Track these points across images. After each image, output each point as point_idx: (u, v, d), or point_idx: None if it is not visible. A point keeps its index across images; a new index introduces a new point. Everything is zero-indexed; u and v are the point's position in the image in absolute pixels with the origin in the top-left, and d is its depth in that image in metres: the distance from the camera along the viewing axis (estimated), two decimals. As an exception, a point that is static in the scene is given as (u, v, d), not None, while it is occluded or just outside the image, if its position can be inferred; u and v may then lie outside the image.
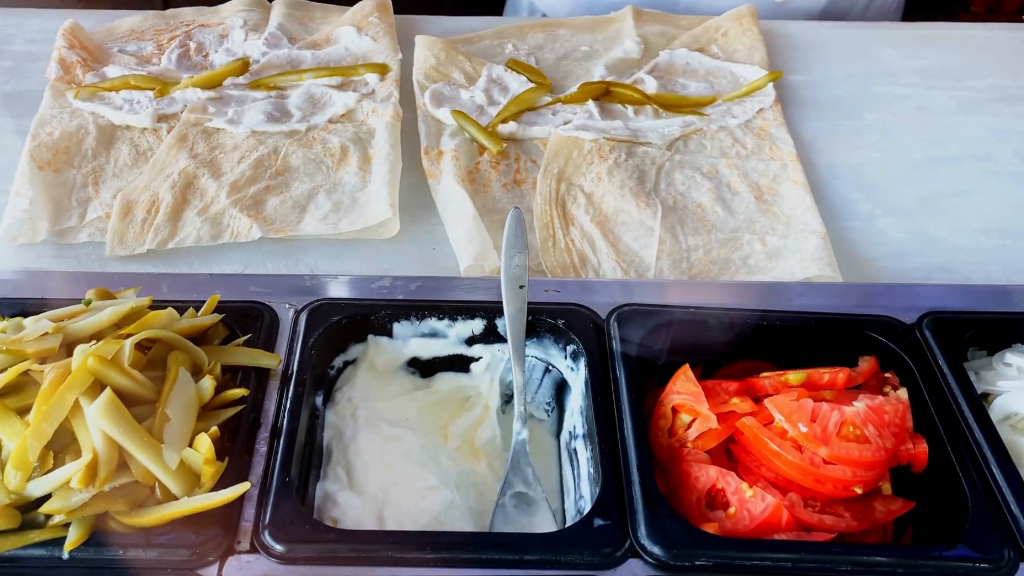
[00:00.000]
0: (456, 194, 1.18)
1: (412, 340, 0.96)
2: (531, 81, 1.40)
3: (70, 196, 1.17)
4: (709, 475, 0.81)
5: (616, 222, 1.17)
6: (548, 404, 0.98)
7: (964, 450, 0.83)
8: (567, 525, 0.81)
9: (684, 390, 0.86)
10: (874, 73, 1.52)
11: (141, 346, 0.79)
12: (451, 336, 0.95)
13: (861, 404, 0.82)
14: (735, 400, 0.86)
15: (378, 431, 0.90)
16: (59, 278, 0.99)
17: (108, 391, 0.73)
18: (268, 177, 1.21)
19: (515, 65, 1.44)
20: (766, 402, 0.84)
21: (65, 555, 0.70)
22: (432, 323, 0.94)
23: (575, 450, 0.90)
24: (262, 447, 0.80)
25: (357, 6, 1.56)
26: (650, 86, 1.40)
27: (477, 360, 0.97)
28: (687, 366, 0.89)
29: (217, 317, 0.88)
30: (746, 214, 1.20)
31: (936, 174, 1.31)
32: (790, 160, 1.28)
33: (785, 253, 1.13)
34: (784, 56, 1.54)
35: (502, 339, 0.95)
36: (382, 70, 1.40)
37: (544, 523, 0.84)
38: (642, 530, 0.74)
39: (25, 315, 0.83)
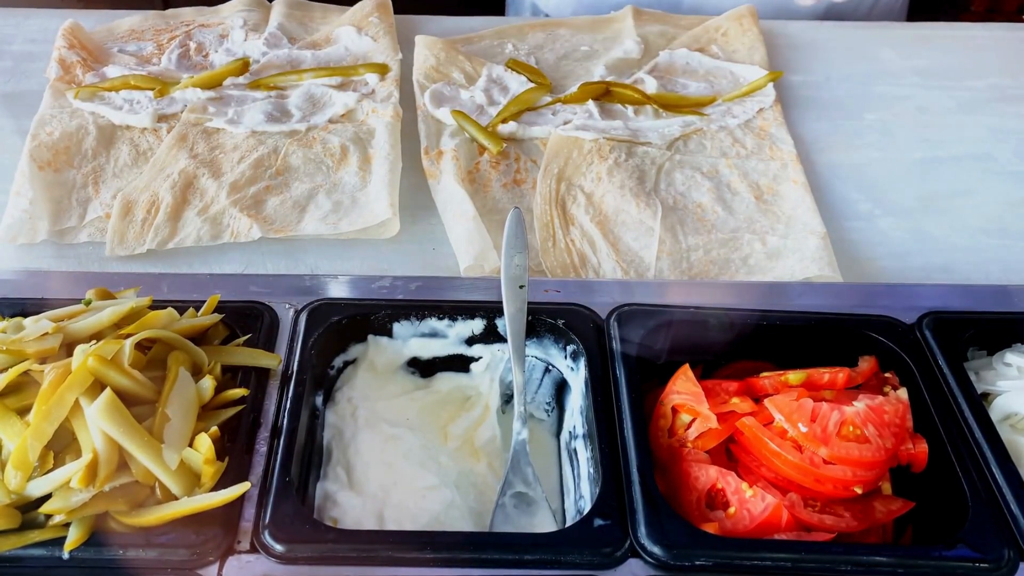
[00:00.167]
0: (456, 194, 1.18)
1: (412, 340, 0.96)
2: (531, 81, 1.40)
3: (70, 196, 1.17)
4: (709, 475, 0.81)
5: (616, 222, 1.17)
6: (548, 404, 0.98)
7: (964, 450, 0.83)
8: (567, 525, 0.81)
9: (684, 390, 0.86)
10: (874, 73, 1.52)
11: (141, 346, 0.79)
12: (451, 336, 0.95)
13: (861, 404, 0.82)
14: (735, 400, 0.86)
15: (378, 431, 0.90)
16: (59, 278, 0.99)
17: (108, 391, 0.73)
18: (268, 177, 1.21)
19: (515, 65, 1.44)
20: (766, 402, 0.84)
21: (65, 555, 0.70)
22: (432, 323, 0.95)
23: (575, 450, 0.90)
24: (262, 447, 0.80)
25: (357, 6, 1.56)
26: (650, 86, 1.40)
27: (477, 360, 0.97)
28: (687, 366, 0.89)
29: (217, 317, 0.88)
30: (746, 214, 1.20)
31: (936, 174, 1.31)
32: (790, 160, 1.28)
33: (785, 253, 1.13)
34: (784, 56, 1.54)
35: (502, 339, 0.95)
36: (382, 70, 1.40)
37: (544, 523, 0.84)
38: (642, 530, 0.74)
39: (25, 315, 0.83)
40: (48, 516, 0.72)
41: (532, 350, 0.95)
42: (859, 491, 0.79)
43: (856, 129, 1.39)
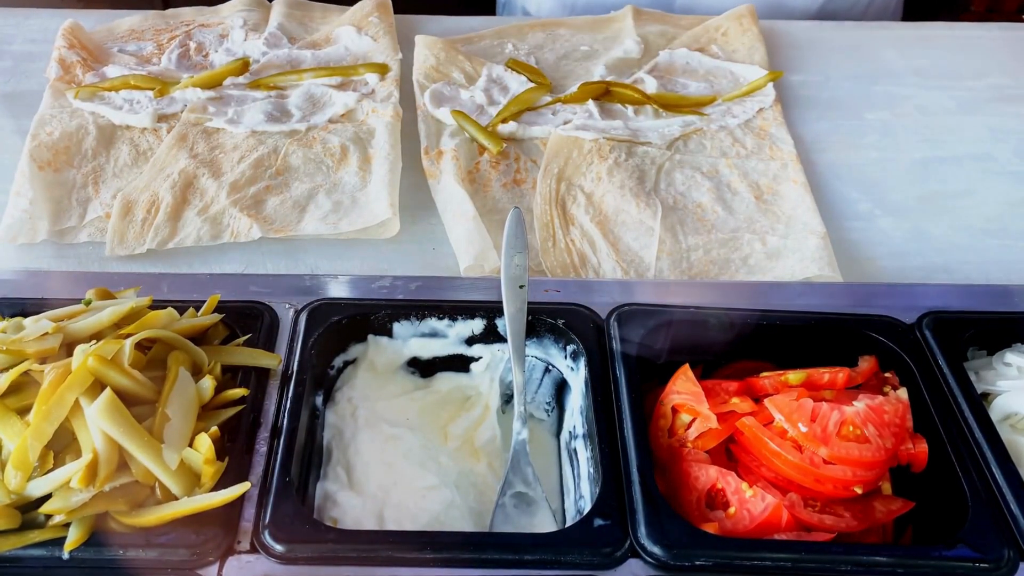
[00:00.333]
0: (456, 194, 1.18)
1: (412, 340, 0.96)
2: (531, 81, 1.40)
3: (70, 196, 1.17)
4: (709, 475, 0.81)
5: (616, 222, 1.17)
6: (548, 404, 0.98)
7: (964, 450, 0.83)
8: (567, 525, 0.81)
9: (684, 390, 0.86)
10: (874, 73, 1.52)
11: (141, 346, 0.79)
12: (451, 336, 0.95)
13: (861, 404, 0.82)
14: (735, 400, 0.86)
15: (378, 431, 0.90)
16: (59, 278, 0.99)
17: (108, 391, 0.73)
18: (268, 177, 1.21)
19: (515, 65, 1.44)
20: (766, 402, 0.84)
21: (65, 555, 0.70)
22: (432, 323, 0.95)
23: (575, 450, 0.90)
24: (262, 447, 0.80)
25: (357, 6, 1.56)
26: (650, 86, 1.40)
27: (477, 360, 0.97)
28: (687, 366, 0.89)
29: (217, 317, 0.88)
30: (746, 214, 1.20)
31: (936, 174, 1.31)
32: (790, 160, 1.28)
33: (785, 253, 1.13)
34: (784, 56, 1.54)
35: (502, 339, 0.95)
36: (382, 70, 1.40)
37: (544, 523, 0.84)
38: (642, 530, 0.74)
39: (25, 315, 0.83)
40: (48, 516, 0.72)
41: (532, 350, 0.95)
42: (859, 491, 0.79)
43: (856, 129, 1.39)
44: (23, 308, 0.88)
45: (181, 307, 0.87)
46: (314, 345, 0.90)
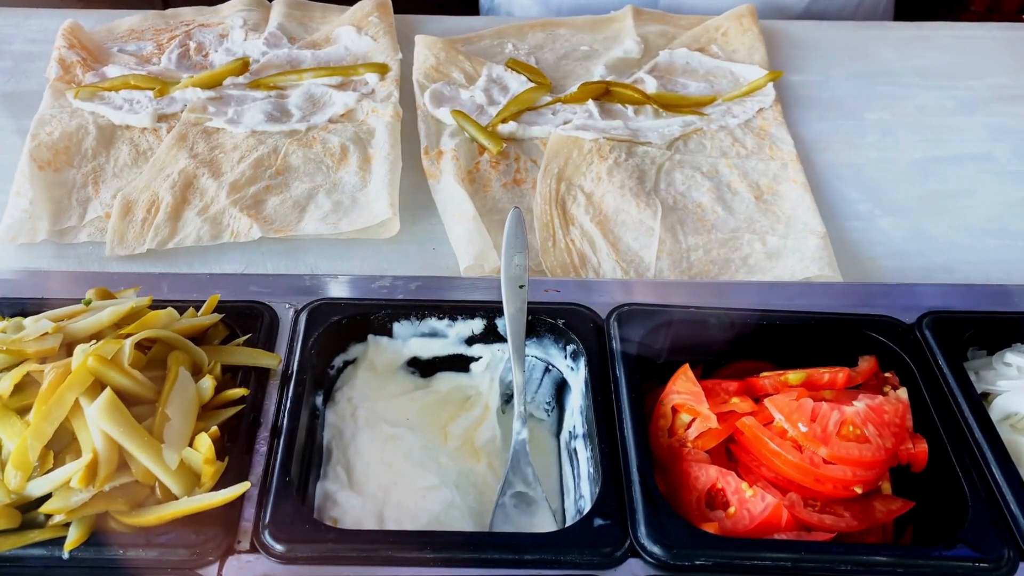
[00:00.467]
0: (456, 194, 1.18)
1: (412, 340, 0.96)
2: (531, 81, 1.40)
3: (70, 196, 1.17)
4: (709, 475, 0.81)
5: (616, 222, 1.17)
6: (548, 404, 0.98)
7: (964, 450, 0.83)
8: (567, 525, 0.81)
9: (684, 390, 0.86)
10: (874, 73, 1.52)
11: (141, 346, 0.79)
12: (451, 336, 0.95)
13: (861, 404, 0.82)
14: (735, 400, 0.86)
15: (378, 431, 0.90)
16: (59, 278, 0.99)
17: (108, 391, 0.73)
18: (268, 177, 1.21)
19: (515, 65, 1.44)
20: (766, 402, 0.84)
21: (65, 555, 0.70)
22: (432, 323, 0.94)
23: (575, 450, 0.90)
24: (262, 447, 0.80)
25: (357, 6, 1.56)
26: (650, 86, 1.40)
27: (477, 360, 0.97)
28: (687, 366, 0.89)
29: (217, 317, 0.88)
30: (746, 214, 1.20)
31: (936, 174, 1.31)
32: (790, 160, 1.28)
33: (785, 253, 1.13)
34: (784, 56, 1.54)
35: (502, 339, 0.95)
36: (382, 70, 1.40)
37: (544, 523, 0.84)
38: (642, 530, 0.74)
39: (25, 315, 0.83)
40: (48, 516, 0.72)
41: (532, 350, 0.95)
42: (859, 491, 0.79)
43: (856, 129, 1.39)
44: (23, 308, 0.88)
45: (181, 307, 0.87)
46: (314, 345, 0.90)
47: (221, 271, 1.08)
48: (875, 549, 0.78)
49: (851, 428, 0.80)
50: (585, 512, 0.77)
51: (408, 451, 0.89)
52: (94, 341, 0.79)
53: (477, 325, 0.95)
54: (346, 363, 0.96)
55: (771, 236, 1.16)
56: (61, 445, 0.74)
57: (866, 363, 0.91)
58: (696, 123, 1.34)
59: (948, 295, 0.99)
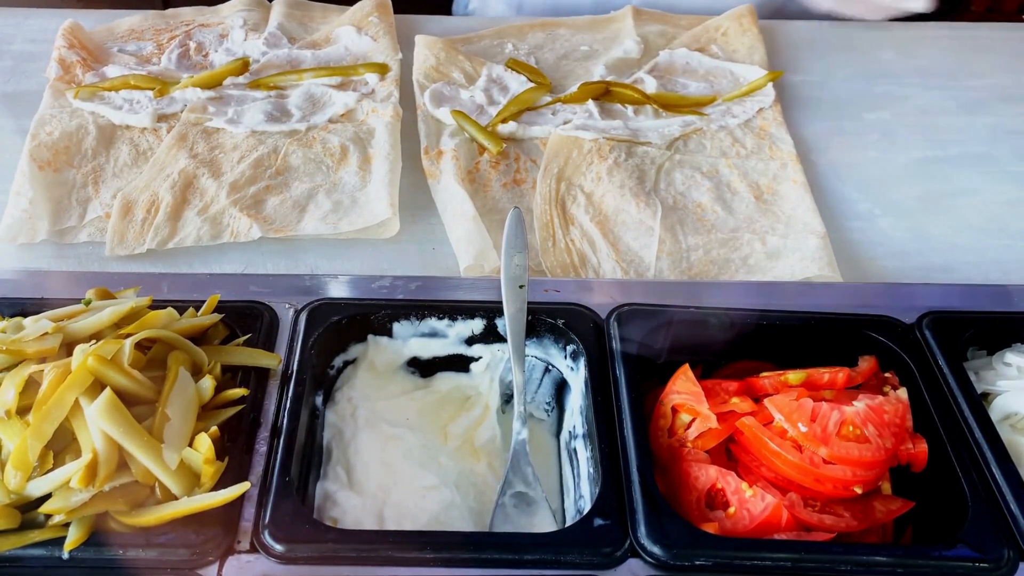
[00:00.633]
0: (456, 194, 1.18)
1: (412, 340, 0.96)
2: (531, 81, 1.40)
3: (70, 196, 1.17)
4: (709, 475, 0.81)
5: (616, 222, 1.17)
6: (548, 404, 0.98)
7: (964, 450, 0.83)
8: (567, 525, 0.81)
9: (684, 390, 0.86)
10: (874, 73, 1.52)
11: (141, 346, 0.79)
12: (451, 336, 0.95)
13: (861, 404, 0.82)
14: (735, 400, 0.86)
15: (378, 431, 0.90)
16: (59, 278, 0.99)
17: (108, 391, 0.73)
18: (268, 177, 1.21)
19: (515, 65, 1.44)
20: (766, 402, 0.84)
21: (65, 555, 0.70)
22: (432, 323, 0.94)
23: (575, 450, 0.90)
24: (262, 447, 0.80)
25: (357, 6, 1.56)
26: (650, 86, 1.40)
27: (477, 360, 0.97)
28: (687, 366, 0.89)
29: (217, 317, 0.88)
30: (746, 214, 1.20)
31: (936, 174, 1.31)
32: (790, 160, 1.28)
33: (785, 253, 1.13)
34: (784, 56, 1.54)
35: (502, 339, 0.95)
36: (382, 70, 1.40)
37: (544, 523, 0.84)
38: (642, 530, 0.74)
39: (25, 315, 0.83)
40: (48, 516, 0.72)
41: (532, 350, 0.95)
42: (859, 491, 0.79)
43: (856, 129, 1.39)
44: (23, 308, 0.88)
45: (181, 307, 0.87)
46: (314, 345, 0.90)
47: (221, 271, 1.08)
48: (875, 549, 0.78)
49: (851, 428, 0.80)
50: (585, 512, 0.77)
51: (408, 451, 0.89)
52: (94, 341, 0.79)
53: (477, 325, 0.94)
54: (346, 363, 0.96)
55: (771, 236, 1.16)
56: (61, 445, 0.74)
57: (866, 363, 0.91)
58: (696, 123, 1.34)
59: (948, 295, 0.99)
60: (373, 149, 1.26)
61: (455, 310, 0.94)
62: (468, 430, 0.93)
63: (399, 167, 1.23)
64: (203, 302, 0.88)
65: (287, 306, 0.93)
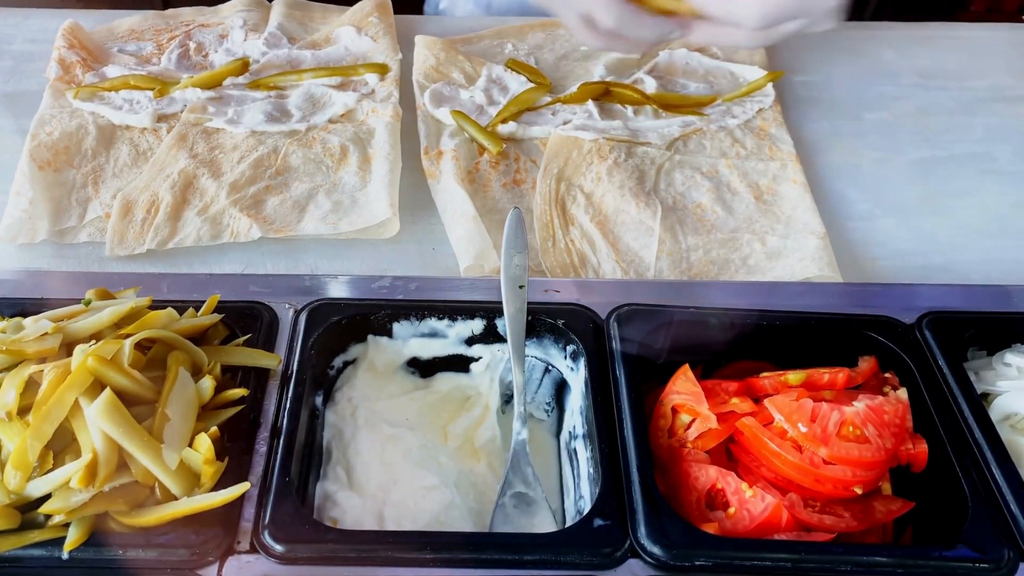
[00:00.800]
0: (456, 194, 1.18)
1: (412, 340, 0.96)
2: (531, 81, 1.40)
3: (70, 196, 1.17)
4: (709, 475, 0.81)
5: (616, 222, 1.17)
6: (548, 404, 0.98)
7: (964, 450, 0.83)
8: (567, 525, 0.81)
9: (684, 390, 0.86)
10: (874, 73, 1.52)
11: (141, 346, 0.79)
12: (451, 336, 0.95)
13: (861, 404, 0.82)
14: (735, 400, 0.86)
15: (378, 431, 0.90)
16: (59, 278, 0.99)
17: (108, 391, 0.73)
18: (268, 177, 1.21)
19: (515, 65, 1.44)
20: (766, 402, 0.84)
21: (65, 555, 0.70)
22: (432, 323, 0.94)
23: (575, 450, 0.90)
24: (262, 447, 0.80)
25: (357, 6, 1.56)
26: (650, 86, 1.40)
27: (477, 360, 0.97)
28: (687, 366, 0.89)
29: (217, 317, 0.88)
30: (746, 214, 1.20)
31: (936, 174, 1.31)
32: (790, 160, 1.28)
33: (785, 253, 1.13)
34: (784, 56, 1.54)
35: (502, 339, 0.95)
36: (382, 70, 1.40)
37: (544, 523, 0.84)
38: (642, 530, 0.74)
39: (25, 315, 0.83)
40: (48, 516, 0.72)
41: (532, 350, 0.95)
42: (859, 491, 0.79)
43: (856, 129, 1.39)
44: (23, 308, 0.88)
45: (181, 307, 0.87)
46: (314, 345, 0.90)
47: (221, 271, 1.08)
48: (875, 549, 0.78)
49: (851, 428, 0.80)
50: (585, 512, 0.77)
51: (408, 451, 0.89)
52: (94, 341, 0.79)
53: (477, 325, 0.95)
54: (346, 363, 0.96)
55: (771, 236, 1.16)
56: (61, 445, 0.74)
57: (866, 363, 0.91)
58: (696, 123, 1.34)
59: (948, 295, 0.99)
60: (373, 149, 1.26)
61: (455, 310, 0.94)
62: (468, 430, 0.93)
63: (399, 167, 1.23)
64: (203, 302, 0.88)
65: (287, 306, 0.93)
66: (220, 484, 0.74)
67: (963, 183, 1.29)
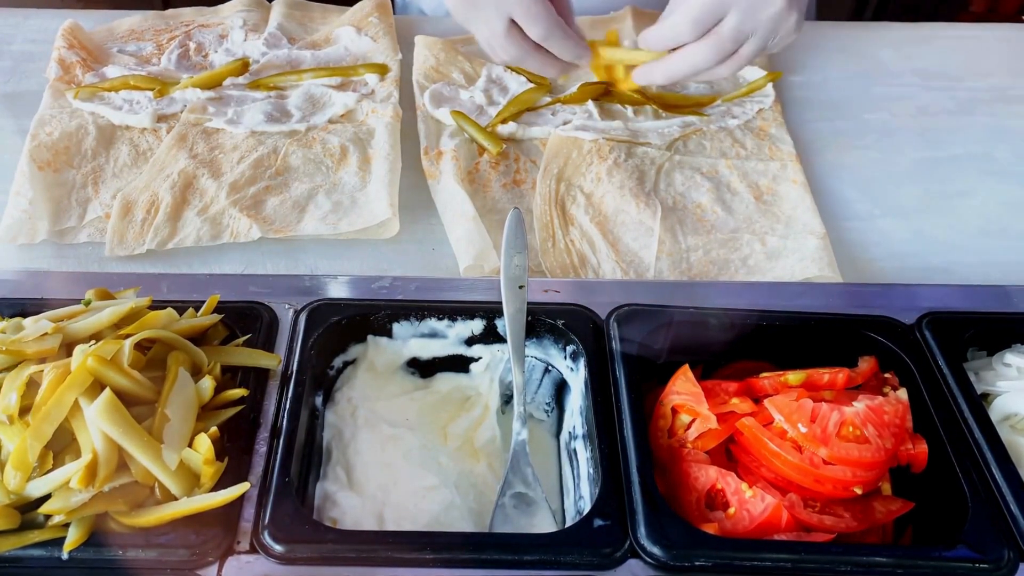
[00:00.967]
0: (456, 194, 1.18)
1: (412, 340, 0.96)
2: (531, 81, 1.40)
3: (70, 196, 1.17)
4: (709, 475, 0.81)
5: (616, 222, 1.17)
6: (548, 404, 0.98)
7: (964, 450, 0.83)
8: (567, 525, 0.81)
9: (684, 390, 0.86)
10: (874, 73, 1.52)
11: (141, 346, 0.79)
12: (451, 336, 0.95)
13: (861, 404, 0.82)
14: (735, 400, 0.86)
15: (378, 431, 0.90)
16: (59, 278, 0.99)
17: (108, 391, 0.73)
18: (268, 177, 1.21)
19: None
20: (766, 402, 0.84)
21: (65, 555, 0.70)
22: (432, 323, 0.94)
23: (575, 450, 0.90)
24: (262, 447, 0.80)
25: (357, 6, 1.56)
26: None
27: (477, 360, 0.97)
28: (687, 366, 0.89)
29: (217, 317, 0.88)
30: (746, 214, 1.20)
31: (936, 174, 1.31)
32: (789, 160, 1.28)
33: (785, 253, 1.13)
34: (784, 56, 1.54)
35: (502, 339, 0.95)
36: (382, 70, 1.40)
37: (544, 523, 0.84)
38: (642, 530, 0.74)
39: (25, 315, 0.83)
40: (48, 516, 0.72)
41: (532, 350, 0.95)
42: (859, 491, 0.79)
43: (856, 129, 1.39)
44: (23, 308, 0.88)
45: (181, 307, 0.87)
46: (314, 345, 0.90)
47: (221, 271, 1.07)
48: (875, 549, 0.78)
49: (851, 429, 0.80)
50: (585, 513, 0.77)
51: (408, 451, 0.89)
52: (94, 341, 0.79)
53: (477, 326, 0.94)
54: (346, 363, 0.96)
55: (771, 236, 1.16)
56: (61, 445, 0.74)
57: (866, 364, 0.91)
58: (696, 124, 1.34)
59: (948, 296, 0.99)
60: (373, 149, 1.26)
61: (455, 310, 0.94)
62: (468, 430, 0.93)
63: (399, 167, 1.23)
64: (203, 302, 0.88)
65: (287, 306, 0.93)
66: (220, 484, 0.74)
67: (963, 183, 1.29)
